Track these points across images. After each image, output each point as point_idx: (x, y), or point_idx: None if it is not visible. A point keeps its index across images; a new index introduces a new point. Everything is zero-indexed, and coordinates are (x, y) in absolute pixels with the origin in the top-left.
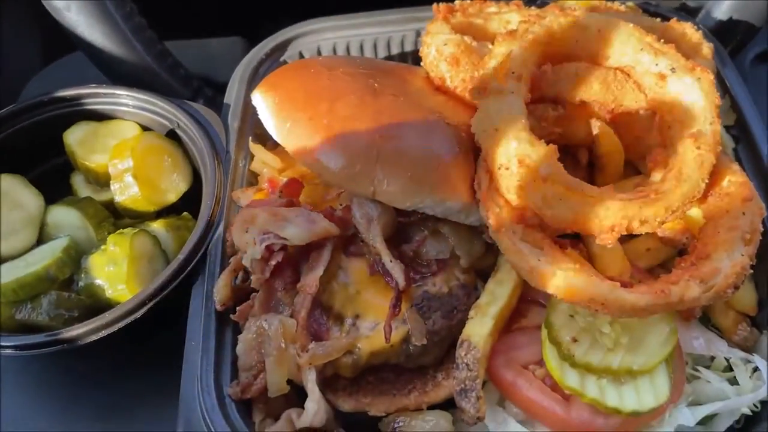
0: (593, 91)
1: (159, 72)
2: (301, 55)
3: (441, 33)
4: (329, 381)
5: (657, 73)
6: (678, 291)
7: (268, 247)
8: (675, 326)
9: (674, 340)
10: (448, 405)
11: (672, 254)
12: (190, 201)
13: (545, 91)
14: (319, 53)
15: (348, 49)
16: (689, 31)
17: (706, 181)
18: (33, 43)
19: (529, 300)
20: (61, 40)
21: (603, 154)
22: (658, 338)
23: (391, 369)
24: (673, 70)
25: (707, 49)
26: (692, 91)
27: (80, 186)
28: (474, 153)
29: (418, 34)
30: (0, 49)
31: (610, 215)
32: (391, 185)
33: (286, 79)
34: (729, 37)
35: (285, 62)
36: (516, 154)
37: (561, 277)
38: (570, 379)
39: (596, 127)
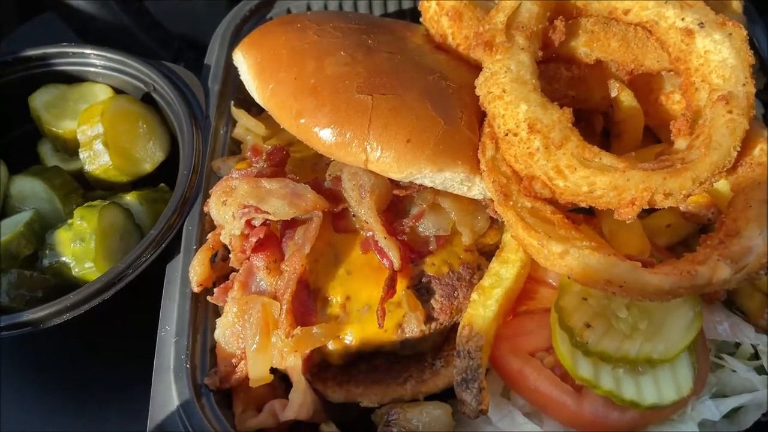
0: (611, 49)
1: (135, 31)
2: (290, 12)
3: None
4: (317, 369)
5: (683, 29)
6: (706, 272)
7: (248, 222)
8: (700, 310)
9: (699, 325)
10: (447, 395)
11: (694, 231)
12: (167, 172)
13: (557, 49)
14: (309, 9)
15: (341, 5)
16: None
17: (738, 149)
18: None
19: (537, 280)
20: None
21: (621, 119)
22: (681, 323)
23: (384, 356)
24: (701, 25)
25: (737, 3)
26: (723, 48)
27: (48, 154)
28: (478, 117)
29: None
30: None
31: (631, 187)
32: (386, 153)
33: (269, 36)
34: None
35: (271, 19)
36: (525, 119)
37: (575, 256)
38: (582, 368)
39: (615, 89)
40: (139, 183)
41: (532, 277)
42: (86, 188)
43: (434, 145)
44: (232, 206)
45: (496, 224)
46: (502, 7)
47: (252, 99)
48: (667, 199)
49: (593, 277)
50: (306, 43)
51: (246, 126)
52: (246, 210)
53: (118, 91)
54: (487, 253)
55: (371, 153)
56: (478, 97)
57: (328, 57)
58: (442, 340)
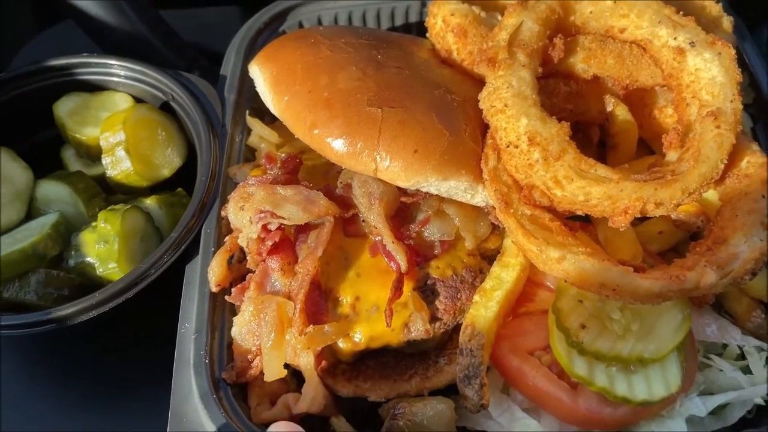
0: (607, 65)
1: (152, 40)
2: (301, 25)
3: (448, 2)
4: (328, 365)
5: (675, 47)
6: (694, 277)
7: (264, 227)
8: (689, 313)
9: (687, 327)
10: (450, 391)
11: (684, 237)
12: (184, 177)
13: (557, 65)
14: (319, 23)
15: (350, 19)
16: (708, 3)
17: (725, 161)
18: (23, 11)
19: (536, 283)
20: (52, 9)
21: (616, 132)
22: (671, 325)
23: (391, 354)
24: (692, 44)
25: (727, 22)
26: (712, 66)
27: (71, 160)
28: (481, 129)
29: (423, 4)
30: None
31: (624, 197)
32: (394, 163)
33: (284, 50)
34: (747, 11)
35: (284, 32)
36: (526, 132)
37: (571, 261)
38: (578, 366)
39: (610, 103)
40: (157, 187)
41: (531, 280)
42: (108, 192)
43: (440, 155)
44: (249, 211)
45: (497, 230)
46: (504, 26)
47: (265, 108)
48: (658, 208)
49: (588, 281)
50: (319, 57)
51: (260, 134)
52: (262, 215)
53: (137, 99)
54: (488, 257)
55: (380, 162)
56: (482, 110)
57: (341, 71)
58: (445, 339)
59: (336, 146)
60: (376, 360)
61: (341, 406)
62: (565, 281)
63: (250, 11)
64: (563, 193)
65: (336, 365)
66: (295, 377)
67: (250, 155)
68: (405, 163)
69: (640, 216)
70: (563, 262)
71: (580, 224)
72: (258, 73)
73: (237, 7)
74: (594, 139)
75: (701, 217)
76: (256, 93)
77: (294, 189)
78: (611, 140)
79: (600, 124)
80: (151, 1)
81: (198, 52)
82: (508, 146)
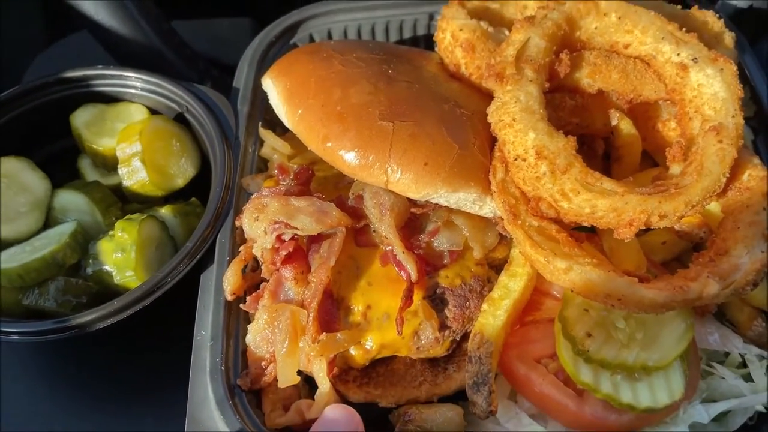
0: (612, 80)
1: (165, 52)
2: (312, 38)
3: (456, 17)
4: (339, 372)
5: (678, 63)
6: (697, 288)
7: (278, 237)
8: (692, 322)
9: (690, 336)
10: (458, 397)
11: (687, 247)
12: (197, 186)
13: (563, 80)
14: (329, 36)
15: (359, 32)
16: (711, 19)
17: (727, 175)
18: (35, 22)
19: (542, 292)
20: (65, 19)
21: (621, 145)
22: (674, 334)
23: (401, 361)
24: (695, 60)
25: (729, 38)
26: (715, 82)
27: (87, 169)
28: (489, 142)
29: (431, 17)
30: (1, 27)
31: (629, 209)
32: (405, 175)
33: (297, 63)
34: (748, 25)
35: (295, 45)
36: (534, 146)
37: (577, 272)
38: (584, 374)
39: (615, 117)
40: (170, 197)
41: (537, 290)
42: (123, 201)
43: (449, 168)
44: (264, 222)
45: (504, 240)
46: (512, 41)
47: (277, 120)
48: (662, 220)
49: (594, 291)
50: (332, 72)
51: (272, 145)
52: (277, 226)
53: (152, 110)
54: (496, 267)
55: (392, 175)
56: (489, 123)
57: (353, 86)
58: (454, 347)
59: (348, 159)
60: (387, 367)
61: None
62: (572, 291)
63: (260, 23)
64: (570, 205)
65: (347, 372)
66: (307, 383)
67: (262, 166)
68: (415, 176)
69: (644, 228)
70: (570, 272)
71: (586, 235)
72: (272, 86)
73: (248, 19)
74: (598, 152)
75: (704, 228)
76: (269, 105)
77: (307, 200)
78: (616, 153)
79: (604, 136)
80: (163, 13)
81: (210, 64)
82: (515, 159)
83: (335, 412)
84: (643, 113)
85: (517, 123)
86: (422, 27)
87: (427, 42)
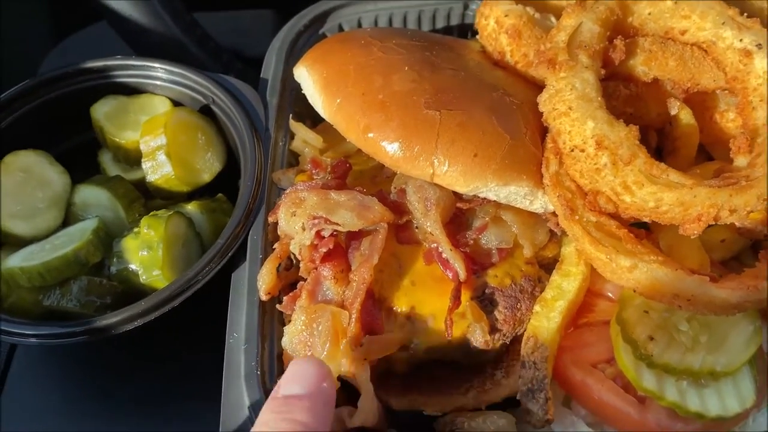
0: (668, 68)
1: (187, 44)
2: (341, 28)
3: (501, 3)
4: (381, 378)
5: (741, 49)
6: None
7: (317, 233)
8: (759, 324)
9: (759, 339)
10: (506, 405)
11: (746, 246)
12: (223, 181)
13: (617, 67)
14: (359, 26)
15: (390, 22)
16: None
17: None
18: (42, 16)
19: (595, 293)
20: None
21: (678, 136)
22: (742, 337)
23: (446, 366)
24: (759, 46)
25: None
26: None
27: (108, 164)
28: (540, 133)
29: (465, 6)
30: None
31: (698, 203)
32: (453, 167)
33: (333, 51)
34: None
35: (324, 35)
36: (593, 135)
37: (643, 270)
38: (646, 380)
39: (675, 106)
40: (195, 193)
41: (590, 290)
42: (146, 197)
43: (500, 159)
44: (301, 217)
45: (554, 237)
46: (563, 27)
47: (306, 112)
48: (732, 215)
49: (660, 291)
50: (372, 59)
51: (304, 138)
52: (316, 221)
53: (176, 103)
54: (545, 266)
55: (438, 167)
56: (540, 113)
57: (395, 73)
58: (503, 351)
59: (391, 150)
60: (430, 373)
61: (393, 419)
62: (635, 291)
63: (283, 14)
64: (633, 199)
65: (388, 378)
66: (343, 391)
67: (293, 160)
68: (464, 168)
69: (713, 223)
70: (634, 270)
71: (645, 232)
72: (306, 75)
73: (270, 11)
74: (652, 144)
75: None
76: (298, 96)
77: (348, 194)
78: (671, 144)
79: (657, 128)
80: (185, 5)
81: (233, 56)
82: (572, 150)
83: (300, 363)
84: (699, 104)
85: (574, 111)
86: (456, 17)
87: (460, 32)
